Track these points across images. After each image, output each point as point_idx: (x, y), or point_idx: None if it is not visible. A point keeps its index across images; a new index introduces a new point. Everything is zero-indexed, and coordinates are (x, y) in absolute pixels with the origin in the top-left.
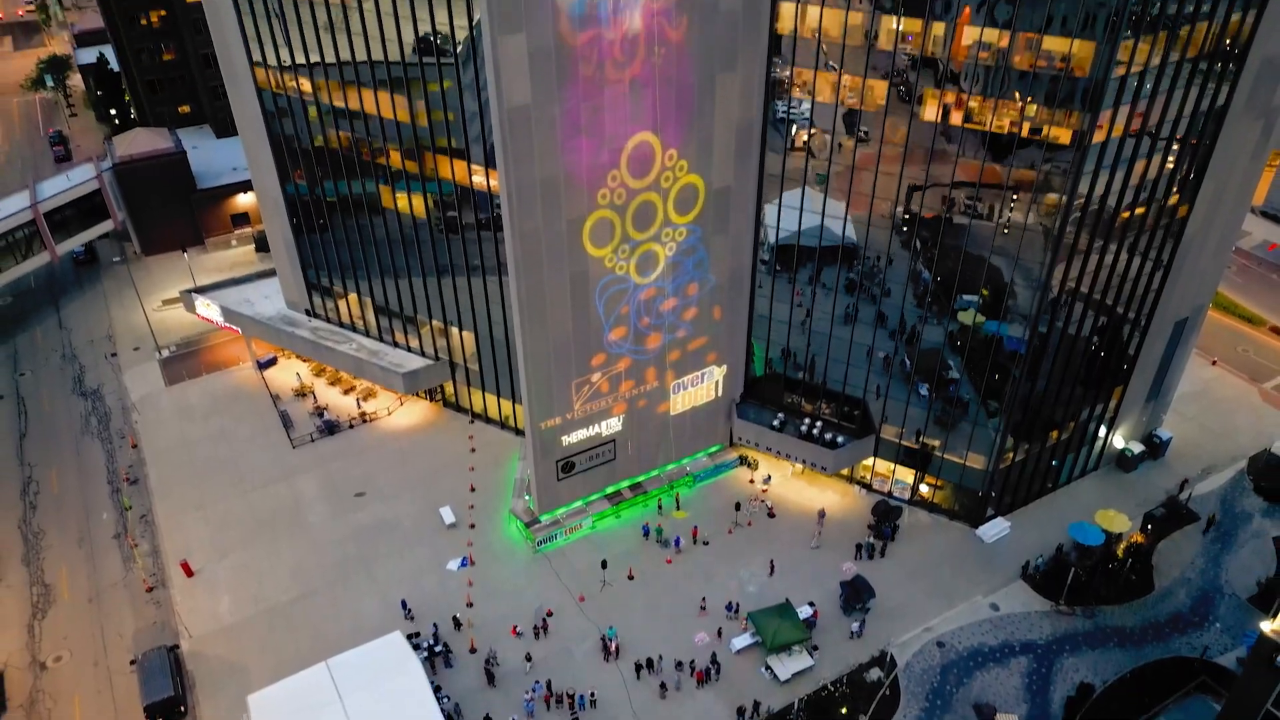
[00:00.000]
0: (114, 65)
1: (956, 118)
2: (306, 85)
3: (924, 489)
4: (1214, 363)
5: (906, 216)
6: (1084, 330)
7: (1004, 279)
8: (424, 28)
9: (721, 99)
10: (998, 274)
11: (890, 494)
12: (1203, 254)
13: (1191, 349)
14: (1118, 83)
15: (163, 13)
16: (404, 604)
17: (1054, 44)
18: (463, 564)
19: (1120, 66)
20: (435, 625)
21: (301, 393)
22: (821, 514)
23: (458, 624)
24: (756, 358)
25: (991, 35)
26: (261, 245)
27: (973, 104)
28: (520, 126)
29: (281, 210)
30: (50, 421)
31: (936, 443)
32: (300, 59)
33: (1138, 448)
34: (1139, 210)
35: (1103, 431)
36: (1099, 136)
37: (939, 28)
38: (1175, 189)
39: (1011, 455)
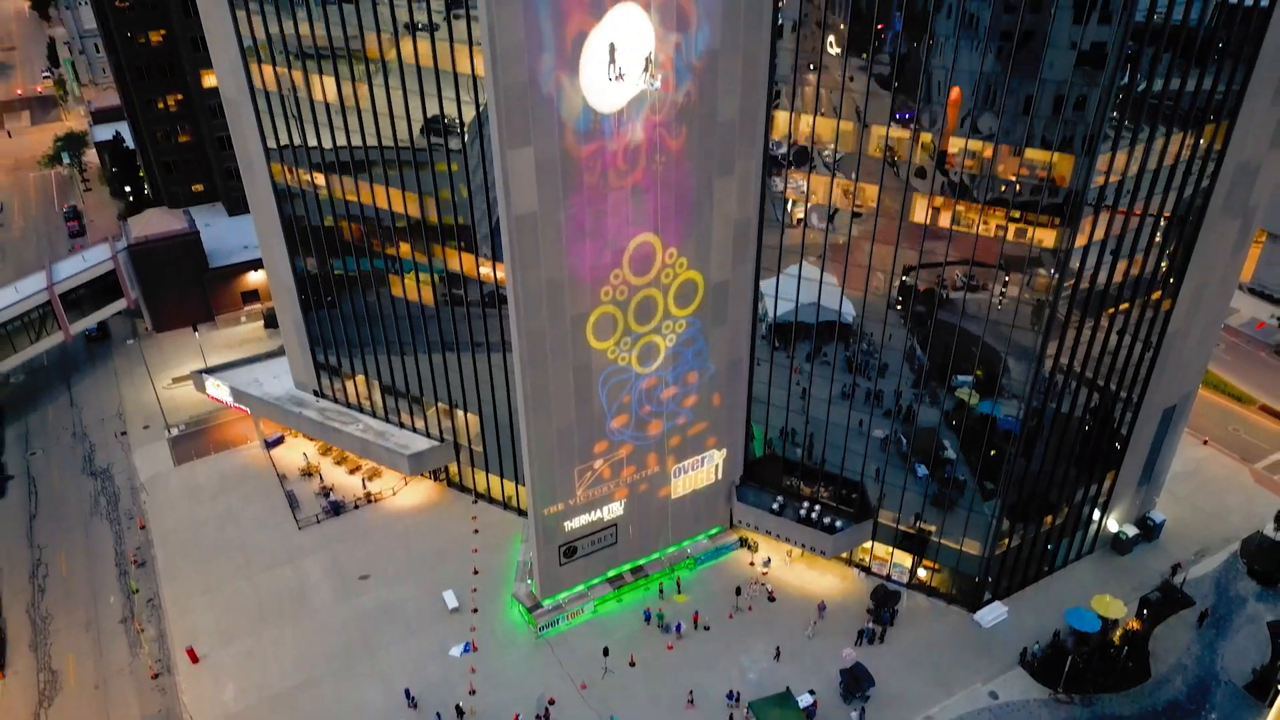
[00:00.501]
0: (130, 143)
1: (945, 219)
2: (320, 177)
3: (922, 572)
4: (1205, 442)
5: (900, 295)
6: (1076, 410)
7: (997, 357)
8: (433, 112)
9: (719, 200)
10: (991, 352)
11: (889, 577)
12: (1187, 345)
13: (1181, 434)
14: (1097, 191)
15: (179, 97)
16: (407, 693)
17: (1035, 155)
18: (465, 649)
19: (1100, 176)
20: (439, 715)
21: (308, 472)
22: (821, 606)
23: (460, 713)
24: (756, 438)
25: (976, 145)
26: (271, 322)
27: (960, 208)
28: (527, 232)
29: (291, 289)
30: (60, 502)
31: (933, 528)
32: (313, 142)
33: (1132, 531)
34: (1124, 306)
35: (1097, 515)
36: (1080, 241)
37: (926, 137)
38: (1158, 286)
39: (1007, 541)
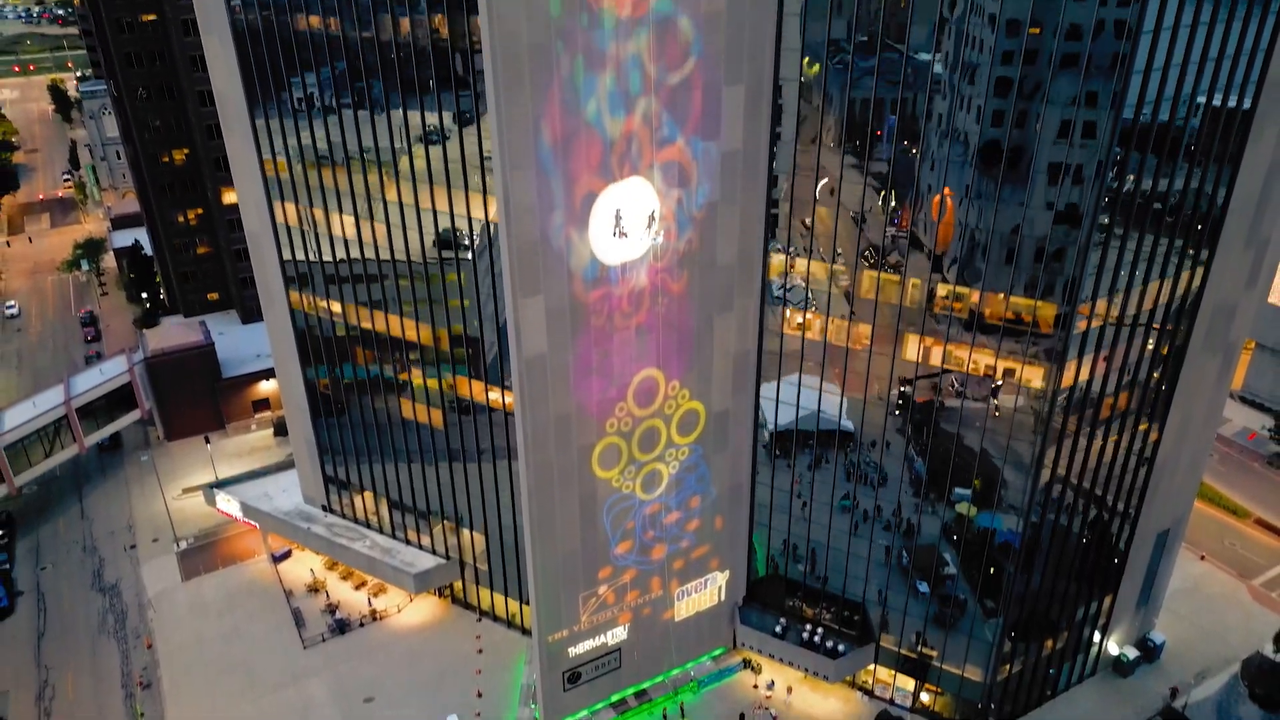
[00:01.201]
0: (148, 249)
1: (935, 356)
2: (336, 305)
3: (925, 696)
4: (1202, 558)
5: (900, 401)
6: (1074, 526)
7: (995, 467)
8: (447, 238)
9: (720, 335)
10: (989, 462)
11: (892, 701)
12: (1177, 473)
13: (1177, 555)
14: (1080, 336)
15: (199, 211)
16: None
17: (1019, 302)
18: None
19: (1082, 321)
20: None
21: (314, 588)
22: None
23: None
24: (758, 555)
25: (963, 290)
26: (280, 430)
27: (949, 347)
28: (537, 372)
29: (304, 409)
30: (69, 619)
31: (935, 652)
32: (330, 272)
33: (1133, 653)
34: (1112, 438)
35: (1097, 637)
36: (1066, 381)
37: (915, 283)
38: (1144, 419)
39: (1009, 666)
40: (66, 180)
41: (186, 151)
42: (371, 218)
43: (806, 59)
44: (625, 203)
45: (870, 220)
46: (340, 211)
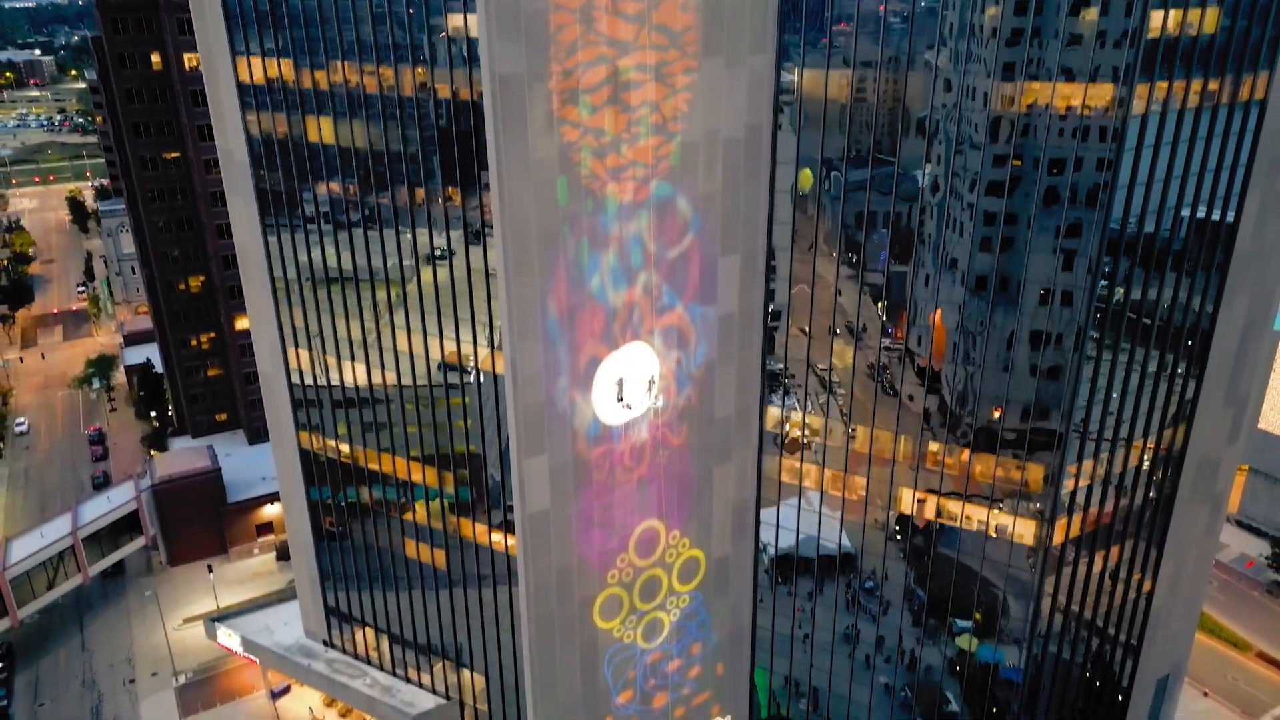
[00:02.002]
0: (158, 367)
1: (930, 511)
2: (345, 446)
3: None
4: (1205, 694)
5: (899, 526)
6: (1076, 659)
7: (996, 594)
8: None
9: (719, 485)
10: (989, 590)
11: None
12: (1172, 621)
13: (1179, 698)
14: (1070, 494)
15: (213, 335)
16: None
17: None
18: None
19: (1070, 479)
20: None
21: None
22: None
23: None
24: (760, 694)
25: (955, 450)
26: (283, 554)
27: (942, 501)
28: (539, 527)
29: (308, 537)
30: None
31: None
32: (335, 381)
33: None
34: (1107, 590)
35: None
36: (1058, 539)
37: (906, 441)
38: (1137, 571)
39: None
40: (81, 292)
41: (202, 279)
42: (383, 367)
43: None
44: (627, 369)
45: (866, 336)
46: (353, 360)
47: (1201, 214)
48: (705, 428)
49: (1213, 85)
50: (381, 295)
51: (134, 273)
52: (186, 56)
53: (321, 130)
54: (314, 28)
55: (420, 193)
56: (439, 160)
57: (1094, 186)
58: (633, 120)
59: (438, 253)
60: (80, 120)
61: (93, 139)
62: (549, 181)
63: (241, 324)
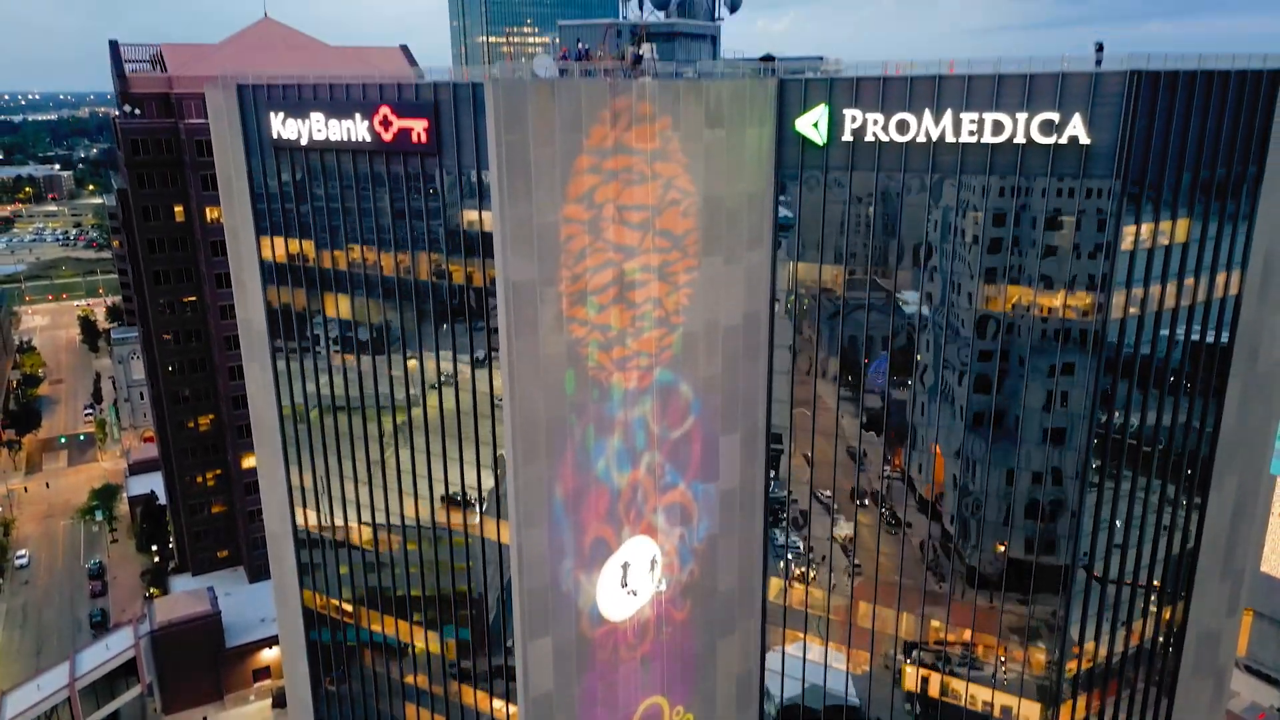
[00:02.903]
0: (162, 497)
1: (935, 689)
2: (349, 606)
3: None
4: None
5: (904, 662)
6: None
7: None
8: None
9: (723, 657)
10: None
11: None
12: None
13: None
14: (1071, 680)
15: (219, 471)
16: None
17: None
18: None
19: (1072, 660)
20: None
21: None
22: None
23: None
24: None
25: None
26: (279, 702)
27: (946, 679)
28: (543, 710)
29: (308, 707)
30: None
31: None
32: (339, 520)
33: None
34: None
35: None
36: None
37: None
38: None
39: None
40: (88, 415)
41: (212, 417)
42: (389, 532)
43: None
44: (631, 553)
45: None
46: (360, 523)
47: (1184, 412)
48: (708, 601)
49: (1186, 288)
50: (393, 464)
51: (142, 398)
52: (208, 209)
53: (339, 306)
54: (335, 217)
55: (433, 369)
56: (452, 339)
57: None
58: (637, 315)
59: (448, 431)
60: (95, 234)
61: (106, 254)
62: (557, 375)
63: (248, 462)
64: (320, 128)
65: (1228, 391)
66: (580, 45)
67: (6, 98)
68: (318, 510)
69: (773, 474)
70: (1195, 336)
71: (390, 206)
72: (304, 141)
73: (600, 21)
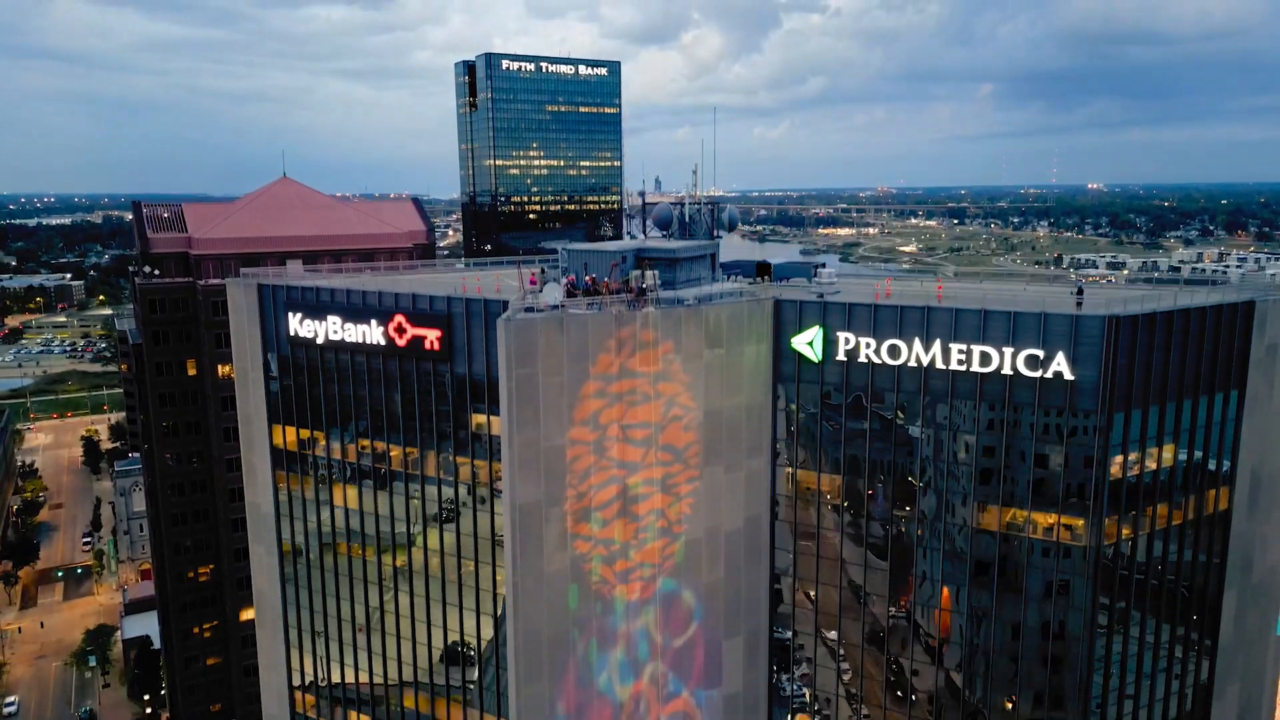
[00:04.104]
0: (156, 641)
1: None
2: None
3: None
4: None
5: None
6: None
7: None
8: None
9: None
10: None
11: None
12: None
13: None
14: None
15: (215, 623)
16: None
17: None
18: None
19: None
20: None
21: None
22: None
23: None
24: None
25: None
26: None
27: None
28: None
29: None
30: None
31: None
32: (336, 678)
33: None
34: None
35: None
36: None
37: None
38: None
39: None
40: (86, 545)
41: (212, 567)
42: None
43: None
44: None
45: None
46: (360, 711)
47: (1181, 627)
48: None
49: (1176, 511)
50: (394, 651)
51: (141, 530)
52: (220, 366)
53: (346, 496)
54: (347, 411)
55: (437, 565)
56: (456, 536)
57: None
58: (640, 528)
59: (451, 635)
60: (102, 346)
61: (113, 368)
62: (561, 591)
63: (247, 615)
64: (336, 329)
65: (1224, 602)
66: (587, 278)
67: (23, 200)
68: (317, 697)
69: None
70: (1189, 553)
71: (401, 407)
72: (320, 340)
73: (606, 248)
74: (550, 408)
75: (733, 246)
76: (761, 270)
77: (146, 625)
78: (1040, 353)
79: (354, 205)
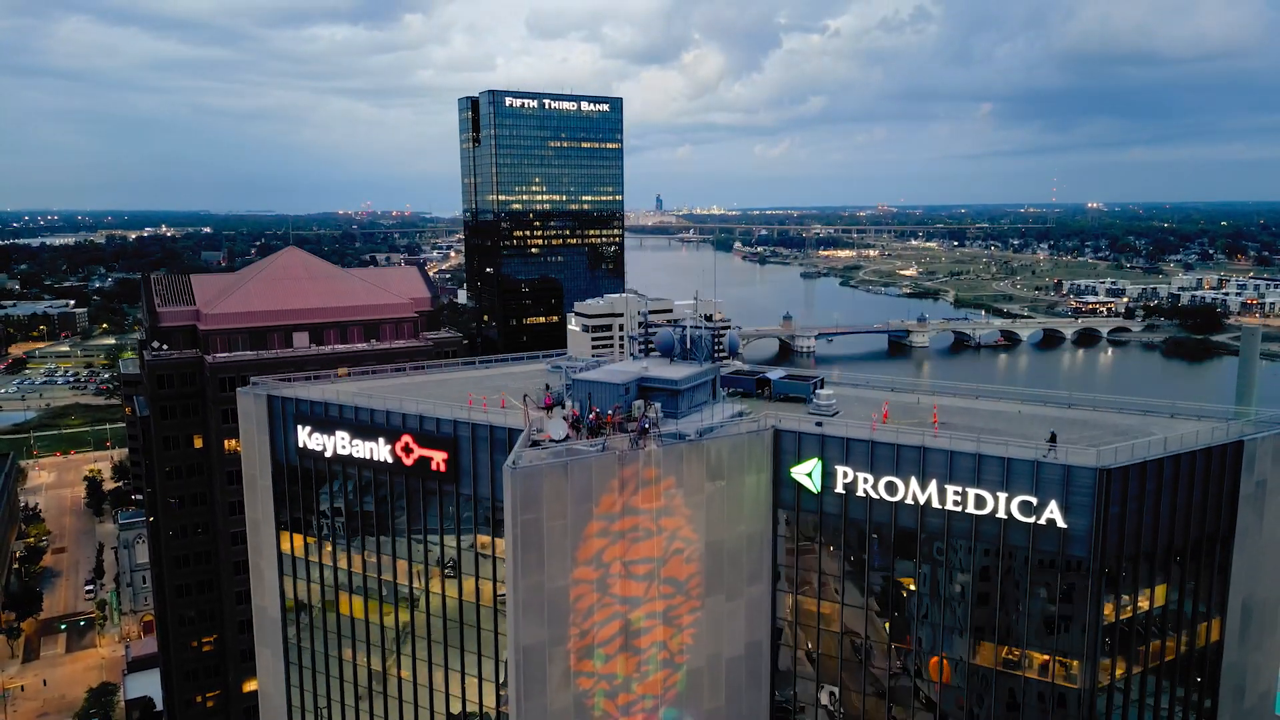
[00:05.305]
0: (159, 704)
1: None
2: None
3: None
4: None
5: None
6: None
7: None
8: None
9: None
10: None
11: None
12: None
13: None
14: None
15: (218, 692)
16: None
17: None
18: None
19: None
20: None
21: None
22: None
23: None
24: None
25: None
26: None
27: None
28: None
29: None
30: None
31: None
32: None
33: None
34: None
35: None
36: None
37: None
38: None
39: None
40: (89, 594)
41: (215, 637)
42: None
43: None
44: None
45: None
46: None
47: None
48: None
49: (1169, 645)
50: None
51: (144, 582)
52: (226, 441)
53: (352, 605)
54: (354, 522)
55: (440, 678)
56: (460, 649)
57: None
58: (642, 660)
59: None
60: (106, 376)
61: (116, 400)
62: None
63: (250, 686)
64: (345, 445)
65: None
66: (591, 414)
67: (27, 218)
68: None
69: None
70: (1180, 689)
71: (408, 524)
72: (328, 454)
73: (612, 381)
74: (555, 550)
75: (734, 367)
76: (761, 384)
77: (149, 685)
78: (1034, 499)
79: (359, 273)
